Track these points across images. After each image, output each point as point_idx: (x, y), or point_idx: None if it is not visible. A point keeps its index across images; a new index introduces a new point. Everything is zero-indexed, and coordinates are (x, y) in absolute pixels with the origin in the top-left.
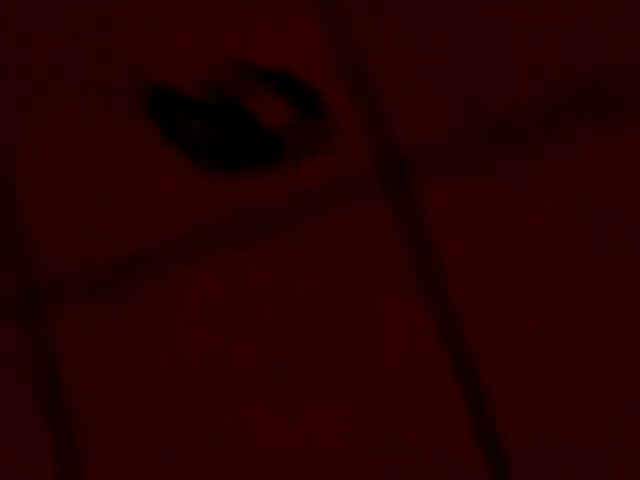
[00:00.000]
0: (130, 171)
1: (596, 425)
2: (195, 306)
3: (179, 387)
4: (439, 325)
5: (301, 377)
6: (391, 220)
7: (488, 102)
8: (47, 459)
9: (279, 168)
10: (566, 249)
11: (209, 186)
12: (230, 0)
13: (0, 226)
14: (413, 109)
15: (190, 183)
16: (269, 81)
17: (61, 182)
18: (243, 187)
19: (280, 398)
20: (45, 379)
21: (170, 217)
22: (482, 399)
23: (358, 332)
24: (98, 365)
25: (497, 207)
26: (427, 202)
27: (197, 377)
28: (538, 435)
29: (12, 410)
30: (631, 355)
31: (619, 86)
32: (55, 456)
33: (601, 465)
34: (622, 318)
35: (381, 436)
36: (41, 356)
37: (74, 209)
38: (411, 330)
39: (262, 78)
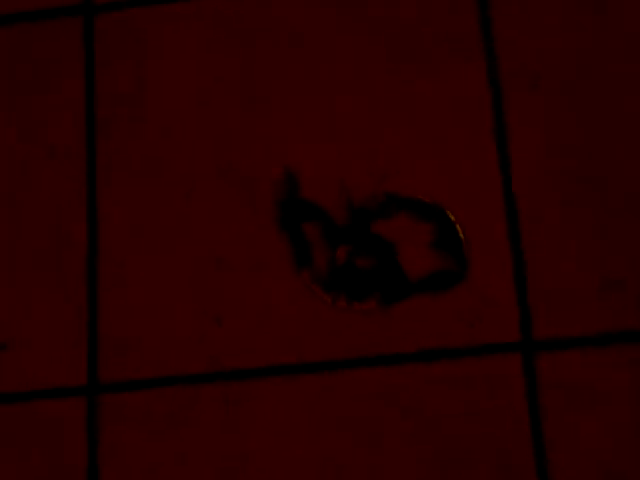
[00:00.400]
0: (246, 280)
1: None
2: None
3: None
4: None
5: None
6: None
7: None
8: None
9: (404, 304)
10: None
11: (324, 310)
12: (397, 128)
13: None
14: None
15: (305, 303)
16: (419, 214)
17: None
18: (358, 317)
19: None
20: None
21: (275, 335)
22: None
23: None
24: None
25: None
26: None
27: None
28: None
29: None
30: None
31: None
32: None
33: None
34: None
35: None
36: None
37: (174, 318)
38: None
39: (411, 209)
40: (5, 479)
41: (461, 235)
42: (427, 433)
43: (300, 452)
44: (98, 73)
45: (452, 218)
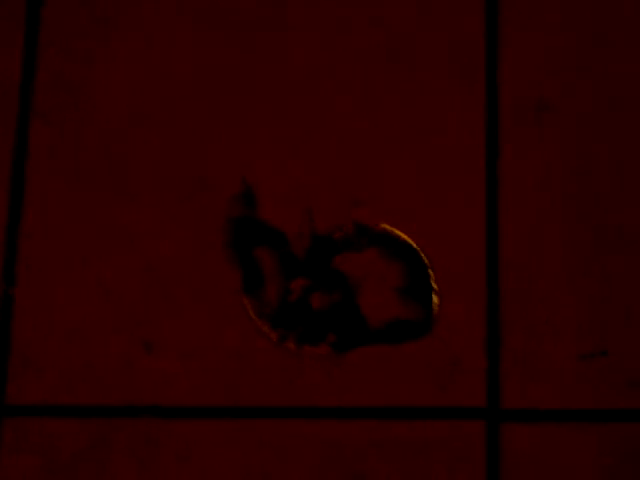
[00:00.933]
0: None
1: None
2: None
3: None
4: None
5: None
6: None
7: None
8: None
9: (360, 352)
10: None
11: (269, 349)
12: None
13: None
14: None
15: (249, 338)
16: (389, 251)
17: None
18: (307, 361)
19: None
20: None
21: (210, 371)
22: None
23: None
24: None
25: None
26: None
27: None
28: None
29: None
30: None
31: None
32: None
33: None
34: None
35: None
36: None
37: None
38: None
39: (381, 245)
40: None
41: (433, 283)
42: None
43: None
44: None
45: (426, 262)
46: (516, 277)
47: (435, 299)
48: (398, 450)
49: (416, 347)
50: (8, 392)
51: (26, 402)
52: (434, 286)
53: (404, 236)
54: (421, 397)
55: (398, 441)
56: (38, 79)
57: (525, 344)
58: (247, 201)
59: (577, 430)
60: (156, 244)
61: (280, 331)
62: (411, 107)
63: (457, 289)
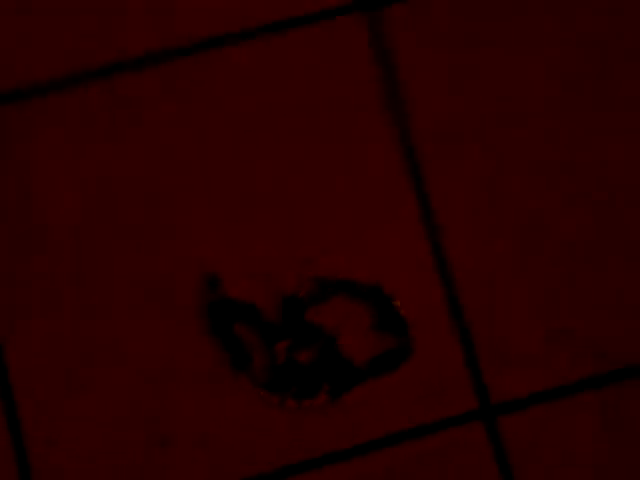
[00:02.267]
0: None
1: None
2: None
3: None
4: None
5: None
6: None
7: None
8: None
9: (354, 392)
10: None
11: (274, 413)
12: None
13: None
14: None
15: (251, 410)
16: (353, 295)
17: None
18: (311, 414)
19: None
20: None
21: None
22: None
23: None
24: None
25: None
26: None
27: None
28: None
29: None
30: None
31: None
32: None
33: None
34: None
35: None
36: None
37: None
38: None
39: (344, 291)
40: None
41: (400, 311)
42: None
43: None
44: None
45: (388, 295)
46: (470, 284)
47: (407, 325)
48: (416, 464)
49: (402, 373)
50: None
51: None
52: (402, 313)
53: (362, 278)
54: (420, 416)
55: (415, 457)
56: None
57: (494, 338)
58: (213, 286)
59: (566, 404)
60: (142, 347)
61: (278, 394)
62: (330, 163)
63: (422, 311)
